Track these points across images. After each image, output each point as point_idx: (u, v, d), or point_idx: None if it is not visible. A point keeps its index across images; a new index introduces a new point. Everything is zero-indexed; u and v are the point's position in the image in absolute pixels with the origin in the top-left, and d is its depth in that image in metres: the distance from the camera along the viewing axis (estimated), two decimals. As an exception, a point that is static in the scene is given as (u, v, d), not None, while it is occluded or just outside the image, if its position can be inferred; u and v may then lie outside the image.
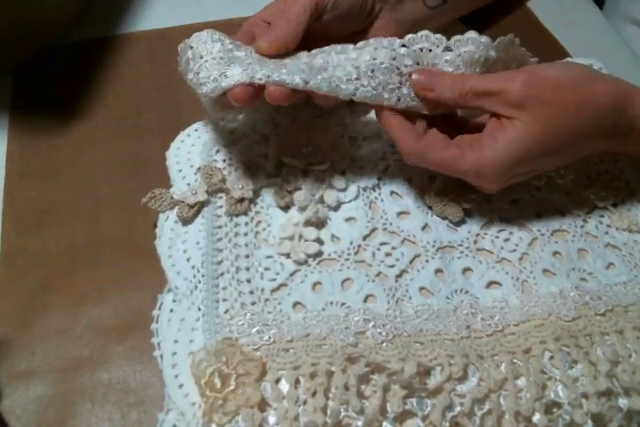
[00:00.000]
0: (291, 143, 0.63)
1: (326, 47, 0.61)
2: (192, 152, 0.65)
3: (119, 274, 0.63)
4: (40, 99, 0.78)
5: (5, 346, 0.59)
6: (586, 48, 0.78)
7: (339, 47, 0.60)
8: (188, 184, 0.63)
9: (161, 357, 0.55)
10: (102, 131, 0.75)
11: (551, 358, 0.53)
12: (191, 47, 0.59)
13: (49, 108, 0.77)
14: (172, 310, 0.57)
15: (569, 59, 0.75)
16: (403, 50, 0.58)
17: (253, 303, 0.57)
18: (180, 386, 0.53)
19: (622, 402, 0.52)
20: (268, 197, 0.63)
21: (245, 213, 0.62)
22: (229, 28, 0.81)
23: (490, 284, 0.60)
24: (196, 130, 0.67)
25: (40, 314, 0.61)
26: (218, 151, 0.65)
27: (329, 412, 0.49)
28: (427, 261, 0.60)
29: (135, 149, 0.72)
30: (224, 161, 0.64)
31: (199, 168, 0.63)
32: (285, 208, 0.62)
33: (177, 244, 0.60)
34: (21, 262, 0.64)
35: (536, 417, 0.51)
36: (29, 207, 0.68)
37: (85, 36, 0.85)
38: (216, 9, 0.85)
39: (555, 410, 0.52)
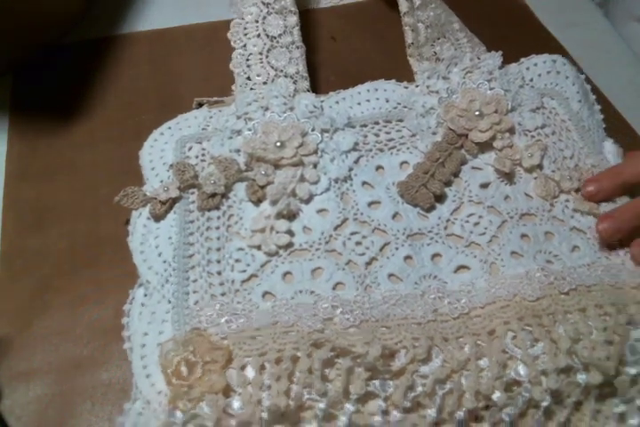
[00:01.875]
0: (263, 138, 0.64)
1: None
2: (165, 150, 0.66)
3: (119, 274, 0.64)
4: (40, 99, 0.79)
5: (5, 346, 0.60)
6: (586, 48, 0.78)
7: None
8: (161, 181, 0.64)
9: (131, 349, 0.56)
10: (102, 131, 0.76)
11: (514, 337, 0.54)
12: None
13: (49, 108, 0.78)
14: (143, 304, 0.58)
15: (534, 55, 0.75)
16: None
17: (223, 294, 0.58)
18: (148, 376, 0.54)
19: (581, 378, 0.52)
20: (240, 192, 0.64)
21: (217, 208, 0.63)
22: (229, 28, 0.83)
23: (458, 268, 0.60)
24: (170, 128, 0.68)
25: (40, 314, 0.62)
26: (191, 148, 0.66)
27: (292, 395, 0.50)
28: (396, 248, 0.61)
29: (135, 149, 0.71)
30: (197, 157, 0.66)
31: (171, 165, 0.64)
32: (257, 202, 0.63)
33: (149, 240, 0.61)
34: (21, 262, 0.66)
35: (496, 395, 0.51)
36: (29, 207, 0.69)
37: (85, 36, 0.86)
38: (216, 9, 0.86)
39: (515, 388, 0.52)
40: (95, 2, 0.90)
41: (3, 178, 0.72)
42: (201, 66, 0.82)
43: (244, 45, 0.72)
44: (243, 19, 0.74)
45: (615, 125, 0.77)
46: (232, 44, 0.73)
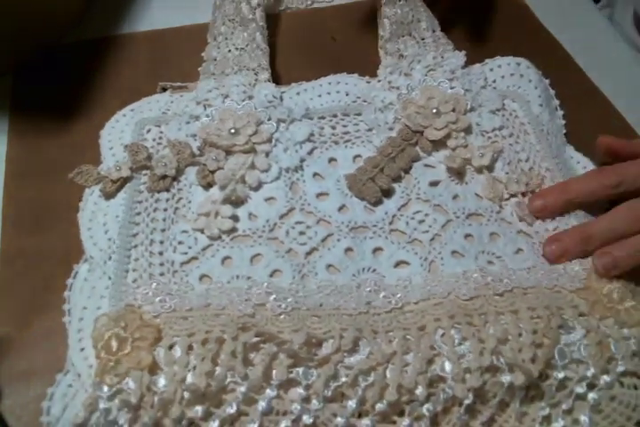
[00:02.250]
0: (218, 124, 0.65)
1: None
2: (124, 131, 0.67)
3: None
4: (40, 99, 0.79)
5: (5, 346, 0.60)
6: (586, 48, 0.78)
7: None
8: (117, 161, 0.65)
9: (69, 323, 0.57)
10: None
11: (443, 335, 0.55)
12: None
13: (49, 108, 0.78)
14: (85, 279, 0.59)
15: (497, 56, 0.76)
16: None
17: (162, 274, 0.59)
18: (82, 349, 0.55)
19: (505, 378, 0.52)
20: (191, 176, 0.65)
21: (167, 190, 0.63)
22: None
23: (398, 263, 0.61)
24: (132, 110, 0.69)
25: (40, 314, 0.62)
26: (149, 131, 0.67)
27: (214, 376, 0.51)
28: (338, 240, 0.61)
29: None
30: (154, 140, 0.67)
31: (126, 146, 0.65)
32: (207, 187, 0.64)
33: (98, 217, 0.62)
34: (21, 262, 0.65)
35: (418, 390, 0.52)
36: (29, 207, 0.69)
37: (85, 36, 0.86)
38: None
39: (440, 384, 0.53)
40: (95, 2, 0.90)
41: (2, 178, 0.72)
42: (200, 66, 0.81)
43: (215, 59, 0.75)
44: (215, 40, 0.77)
45: (615, 125, 0.78)
46: (205, 58, 0.76)
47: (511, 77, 0.74)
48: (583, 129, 0.72)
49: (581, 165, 0.70)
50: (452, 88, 0.69)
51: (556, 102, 0.74)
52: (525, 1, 0.92)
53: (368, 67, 0.75)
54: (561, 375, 0.54)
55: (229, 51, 0.75)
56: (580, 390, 0.54)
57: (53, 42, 0.84)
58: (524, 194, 0.65)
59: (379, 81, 0.72)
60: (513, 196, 0.65)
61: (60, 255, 0.65)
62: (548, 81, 0.75)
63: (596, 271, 0.59)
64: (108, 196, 0.63)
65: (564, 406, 0.54)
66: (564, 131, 0.72)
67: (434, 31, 0.77)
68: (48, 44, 0.84)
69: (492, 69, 0.74)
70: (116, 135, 0.67)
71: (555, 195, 0.64)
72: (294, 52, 0.83)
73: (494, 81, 0.73)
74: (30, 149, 0.74)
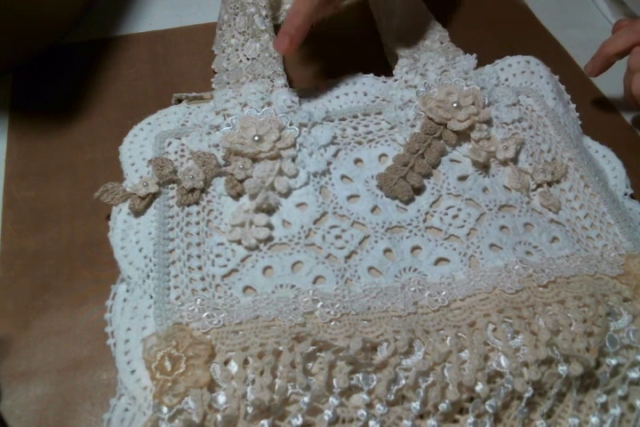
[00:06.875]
0: (241, 133, 0.65)
1: None
2: (145, 145, 0.66)
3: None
4: (40, 99, 0.80)
5: (5, 346, 0.60)
6: (586, 48, 0.79)
7: None
8: (141, 177, 0.64)
9: (114, 345, 0.56)
10: (102, 131, 0.76)
11: (494, 329, 0.55)
12: None
13: (49, 108, 0.78)
14: (125, 300, 0.58)
15: (508, 57, 0.76)
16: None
17: (204, 289, 0.58)
18: (132, 372, 0.54)
19: (562, 369, 0.52)
20: (219, 187, 0.64)
21: (197, 203, 0.63)
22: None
23: (438, 261, 0.61)
24: (149, 124, 0.68)
25: (40, 314, 0.62)
26: (170, 143, 0.66)
27: (276, 389, 0.50)
28: (376, 241, 0.61)
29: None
30: (176, 153, 0.66)
31: (150, 160, 0.64)
32: (237, 196, 0.63)
33: (129, 235, 0.61)
34: (21, 262, 0.65)
35: (479, 387, 0.52)
36: (29, 207, 0.69)
37: (85, 37, 0.87)
38: (216, 10, 0.85)
39: (497, 380, 0.53)
40: (96, 2, 0.90)
41: (2, 178, 0.72)
42: (200, 66, 0.82)
43: (227, 70, 0.75)
44: (224, 52, 0.77)
45: (615, 125, 0.79)
46: (215, 70, 0.77)
47: (522, 75, 0.74)
48: (582, 128, 0.73)
49: (600, 153, 0.71)
50: (467, 86, 0.69)
51: (568, 96, 0.75)
52: (525, 1, 0.94)
53: (369, 66, 0.75)
54: (614, 362, 0.54)
55: (240, 61, 0.75)
56: (633, 375, 0.54)
57: (53, 42, 0.85)
58: (549, 183, 0.66)
59: (395, 80, 0.72)
60: (539, 186, 0.66)
61: (60, 255, 0.66)
62: (557, 77, 0.76)
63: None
64: (138, 213, 0.62)
65: (619, 393, 0.54)
66: (580, 122, 0.73)
67: (442, 43, 0.79)
68: (48, 44, 0.84)
69: (502, 69, 0.75)
70: (137, 150, 0.66)
71: (596, 56, 0.73)
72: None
73: (507, 79, 0.74)
74: (30, 149, 0.74)
